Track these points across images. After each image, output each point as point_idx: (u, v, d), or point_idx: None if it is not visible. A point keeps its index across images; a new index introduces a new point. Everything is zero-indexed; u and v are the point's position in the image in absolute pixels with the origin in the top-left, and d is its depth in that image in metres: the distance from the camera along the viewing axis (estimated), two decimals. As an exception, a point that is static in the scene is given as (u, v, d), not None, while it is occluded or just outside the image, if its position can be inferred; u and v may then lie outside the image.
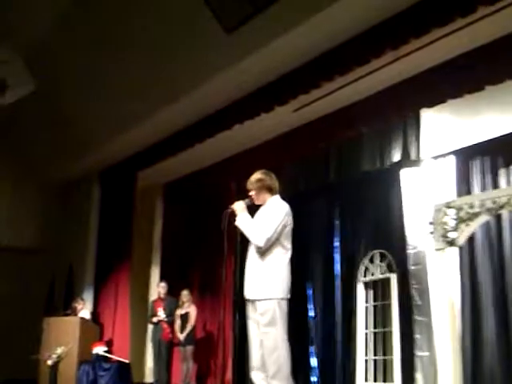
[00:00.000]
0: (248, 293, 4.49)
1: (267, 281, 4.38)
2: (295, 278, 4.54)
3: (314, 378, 8.88)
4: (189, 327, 9.26)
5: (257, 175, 4.71)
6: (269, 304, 4.35)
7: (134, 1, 7.54)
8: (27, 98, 8.81)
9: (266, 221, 4.43)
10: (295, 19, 6.14)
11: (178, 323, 9.39)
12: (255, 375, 4.46)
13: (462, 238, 6.04)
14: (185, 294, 9.49)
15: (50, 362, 9.09)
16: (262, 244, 4.36)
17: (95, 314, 10.23)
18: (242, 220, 4.51)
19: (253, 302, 4.45)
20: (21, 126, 10.56)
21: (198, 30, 7.06)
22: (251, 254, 4.55)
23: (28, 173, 11.03)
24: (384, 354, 7.79)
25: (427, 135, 7.58)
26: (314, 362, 8.97)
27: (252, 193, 4.67)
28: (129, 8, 7.61)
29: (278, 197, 4.70)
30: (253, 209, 4.64)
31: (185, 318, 9.35)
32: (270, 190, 4.68)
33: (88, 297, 10.33)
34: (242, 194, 4.91)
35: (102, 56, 8.27)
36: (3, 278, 10.67)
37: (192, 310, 9.39)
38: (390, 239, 8.24)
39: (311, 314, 9.21)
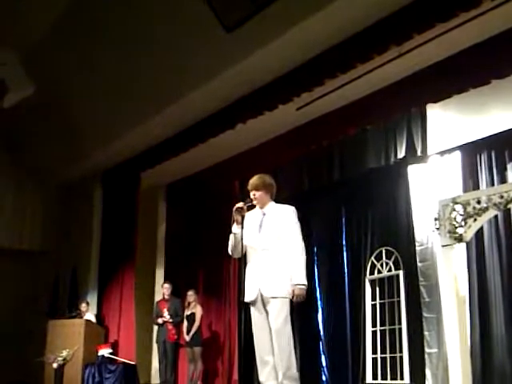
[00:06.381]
0: (266, 291, 4.48)
1: (283, 280, 4.46)
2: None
3: (323, 377, 8.87)
4: (194, 328, 9.24)
5: (265, 178, 4.79)
6: (284, 302, 4.45)
7: (134, 2, 7.49)
8: (29, 100, 8.77)
9: (290, 232, 4.57)
10: (297, 16, 6.11)
11: (184, 324, 9.37)
12: (264, 376, 4.46)
13: (469, 233, 6.02)
14: (190, 295, 9.47)
15: (55, 365, 9.06)
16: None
17: (100, 315, 10.18)
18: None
19: (267, 300, 4.44)
20: (23, 128, 10.51)
21: (198, 30, 7.02)
22: (259, 254, 4.56)
23: (30, 175, 10.98)
24: (392, 352, 7.75)
25: (433, 131, 7.55)
26: (323, 360, 8.96)
27: (257, 193, 4.69)
28: (129, 9, 7.56)
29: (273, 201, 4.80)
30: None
31: (191, 318, 9.32)
32: (273, 194, 4.78)
33: (92, 299, 10.28)
34: (246, 194, 4.90)
35: (103, 57, 8.23)
36: (7, 280, 10.63)
37: (197, 311, 9.36)
38: (396, 236, 8.25)
39: (319, 312, 9.19)
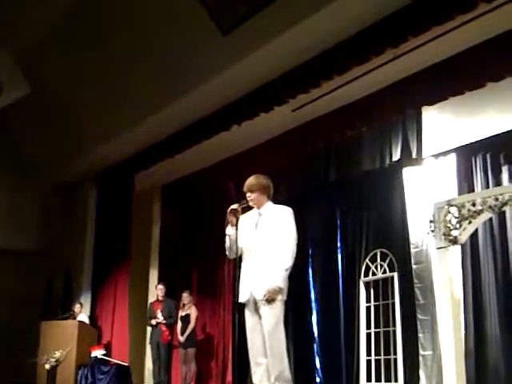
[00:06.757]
0: (256, 293, 4.46)
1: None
2: (298, 279, 4.55)
3: (317, 378, 8.87)
4: (189, 329, 9.24)
5: (260, 179, 4.76)
6: (278, 305, 4.42)
7: (132, 3, 7.47)
8: (25, 101, 8.74)
9: (283, 234, 4.51)
10: (293, 19, 6.11)
11: (179, 325, 9.37)
12: (257, 378, 4.46)
13: (464, 236, 5.99)
14: (185, 296, 9.49)
15: (47, 366, 9.02)
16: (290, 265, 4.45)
17: (93, 317, 10.17)
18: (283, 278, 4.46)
19: (260, 302, 4.43)
20: (19, 129, 10.50)
21: (194, 32, 7.01)
22: (254, 255, 4.55)
23: (25, 175, 10.94)
24: (387, 354, 7.74)
25: (428, 133, 7.57)
26: (317, 362, 8.96)
27: (252, 195, 4.69)
28: (127, 10, 7.55)
29: (271, 201, 4.78)
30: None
31: (185, 319, 9.32)
32: (269, 194, 4.76)
33: (86, 300, 10.26)
34: (240, 195, 4.90)
35: (100, 58, 8.21)
36: (0, 280, 10.59)
37: (192, 312, 9.38)
38: (391, 238, 8.26)
39: (314, 314, 9.19)
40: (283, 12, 6.09)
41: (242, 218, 4.67)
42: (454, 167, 7.60)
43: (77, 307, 9.78)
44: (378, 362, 7.83)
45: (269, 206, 4.72)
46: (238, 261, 4.62)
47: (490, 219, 6.72)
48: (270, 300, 4.37)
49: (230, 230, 4.59)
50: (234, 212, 4.56)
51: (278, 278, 4.39)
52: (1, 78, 8.74)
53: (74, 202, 11.12)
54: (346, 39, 6.26)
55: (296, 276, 4.57)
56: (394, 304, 7.75)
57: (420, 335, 7.56)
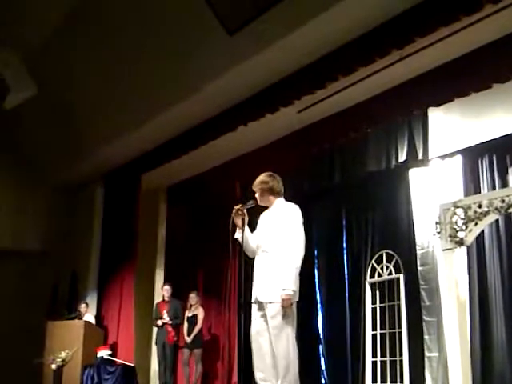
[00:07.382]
0: (261, 295, 4.45)
1: (280, 284, 4.37)
2: (303, 280, 4.52)
3: (323, 380, 8.86)
4: (196, 329, 9.25)
5: (261, 177, 4.74)
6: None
7: (137, 3, 7.49)
8: (31, 101, 8.76)
9: (288, 233, 4.41)
10: (298, 20, 6.09)
11: (185, 326, 9.38)
12: (261, 378, 4.44)
13: (470, 237, 6.00)
14: (192, 297, 9.48)
15: (54, 366, 9.04)
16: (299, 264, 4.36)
17: (99, 317, 10.18)
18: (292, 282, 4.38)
19: (265, 304, 4.41)
20: (25, 130, 10.53)
21: (200, 32, 7.02)
22: (262, 255, 4.54)
23: (31, 176, 10.98)
24: (392, 355, 7.73)
25: (435, 134, 7.55)
26: (323, 363, 8.95)
27: (256, 194, 4.71)
28: (131, 10, 7.56)
29: (282, 199, 4.73)
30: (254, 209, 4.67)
31: (192, 320, 9.33)
32: (274, 192, 4.69)
33: (92, 300, 10.28)
34: (247, 196, 4.90)
35: (105, 58, 8.23)
36: (6, 281, 10.62)
37: (200, 313, 9.39)
38: (397, 240, 8.25)
39: (319, 315, 9.18)
40: (289, 13, 6.08)
41: (261, 216, 4.69)
42: (460, 168, 7.60)
43: (83, 307, 9.79)
44: (383, 363, 7.82)
45: (278, 204, 4.67)
46: (243, 262, 4.61)
47: (497, 221, 6.71)
48: (287, 307, 4.31)
49: (237, 234, 4.56)
50: (240, 213, 4.53)
51: (289, 281, 4.29)
52: (8, 78, 8.77)
53: (81, 203, 11.15)
54: (352, 40, 6.24)
55: (301, 277, 4.51)
56: (399, 305, 7.73)
57: (426, 337, 7.55)
